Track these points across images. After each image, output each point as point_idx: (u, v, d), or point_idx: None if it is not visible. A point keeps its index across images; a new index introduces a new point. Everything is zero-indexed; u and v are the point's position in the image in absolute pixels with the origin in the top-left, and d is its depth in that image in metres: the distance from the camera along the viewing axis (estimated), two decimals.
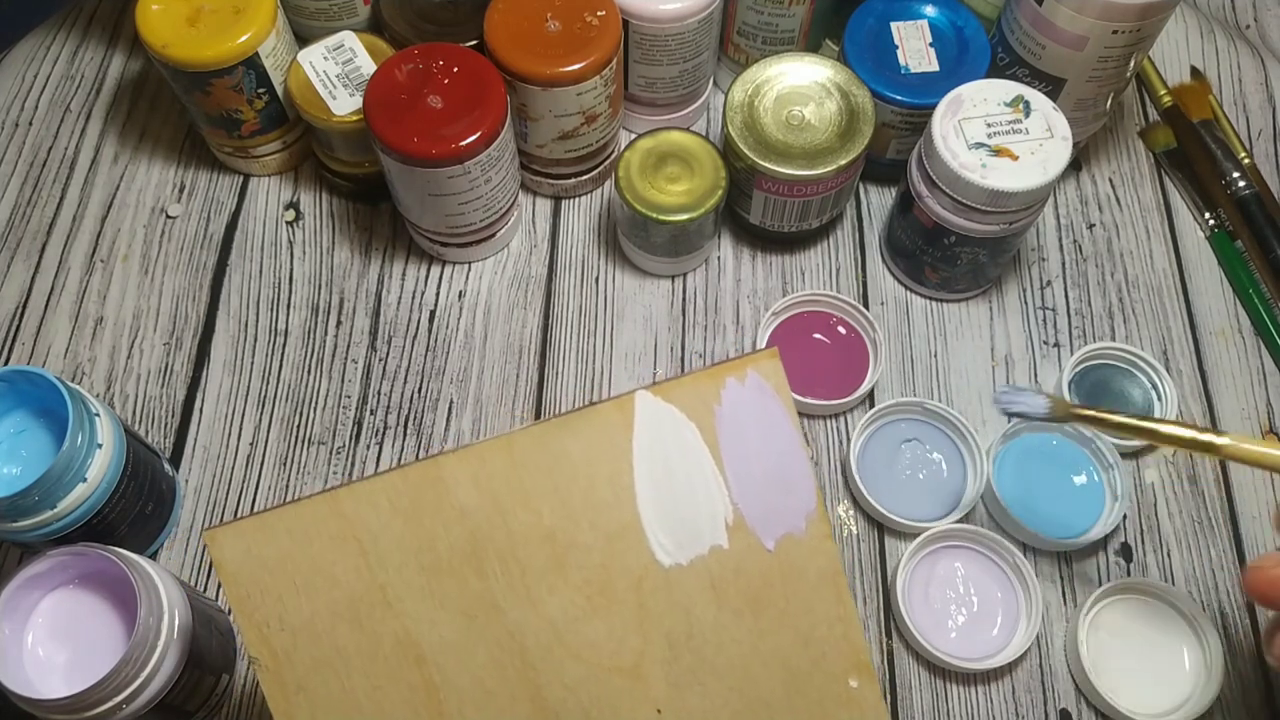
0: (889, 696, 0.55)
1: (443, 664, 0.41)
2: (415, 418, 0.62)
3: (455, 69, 0.58)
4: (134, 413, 0.62)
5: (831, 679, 0.42)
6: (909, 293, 0.66)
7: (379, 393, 0.63)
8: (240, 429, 0.62)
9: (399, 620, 0.41)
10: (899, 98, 0.62)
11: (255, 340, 0.64)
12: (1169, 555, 0.59)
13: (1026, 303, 0.66)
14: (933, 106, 0.58)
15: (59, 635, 0.49)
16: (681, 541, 0.41)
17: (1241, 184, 0.68)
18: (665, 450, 0.41)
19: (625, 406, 0.41)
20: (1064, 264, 0.67)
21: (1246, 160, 0.70)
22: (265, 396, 0.62)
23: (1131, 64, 0.61)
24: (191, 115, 0.66)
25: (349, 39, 0.64)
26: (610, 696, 0.42)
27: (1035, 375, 0.64)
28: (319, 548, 0.40)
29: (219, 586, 0.58)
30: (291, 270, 0.66)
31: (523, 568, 0.41)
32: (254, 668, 0.40)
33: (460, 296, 0.66)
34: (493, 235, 0.65)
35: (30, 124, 0.72)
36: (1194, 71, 0.75)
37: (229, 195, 0.69)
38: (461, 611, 0.41)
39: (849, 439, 0.60)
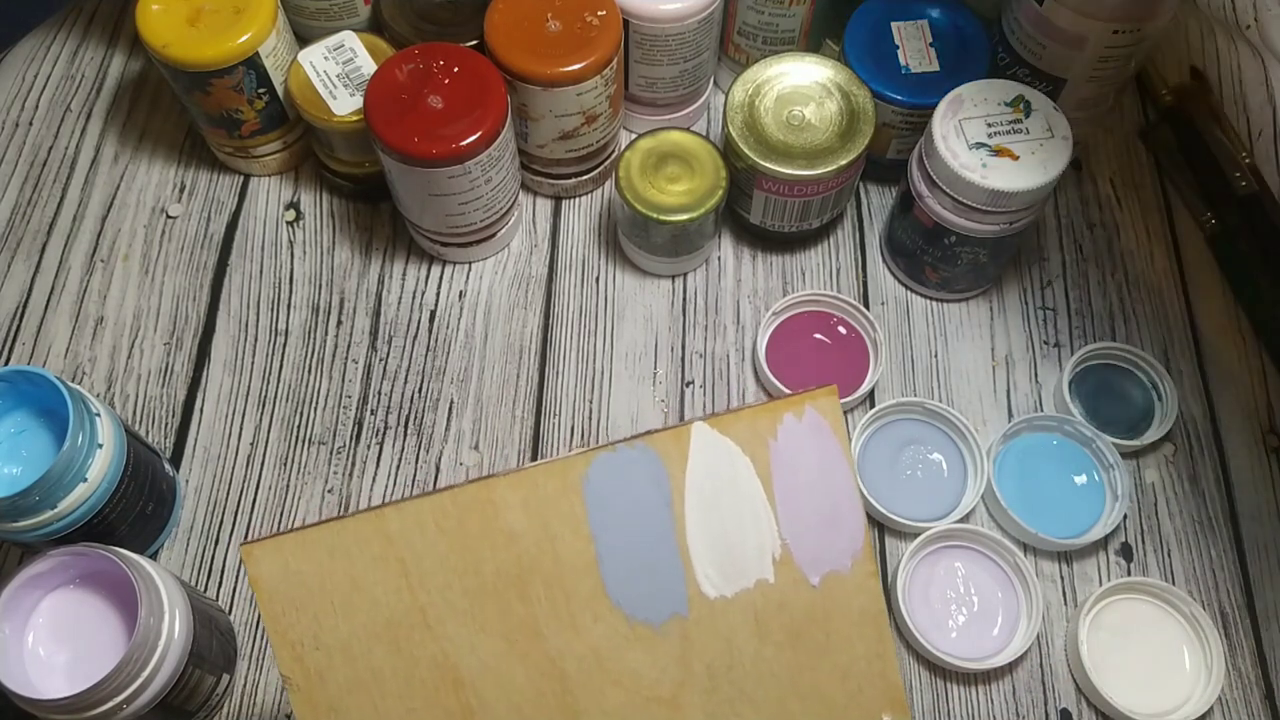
0: None
1: (481, 688, 0.41)
2: (415, 418, 0.62)
3: (455, 69, 0.58)
4: (134, 413, 0.62)
5: (866, 714, 0.42)
6: (909, 293, 0.66)
7: (379, 393, 0.63)
8: (240, 429, 0.62)
9: (438, 643, 0.40)
10: (899, 98, 0.62)
11: (255, 340, 0.64)
12: (1169, 555, 0.59)
13: (1027, 303, 0.66)
14: (933, 106, 0.58)
15: (60, 635, 0.49)
16: (728, 574, 0.41)
17: (1242, 184, 0.68)
18: (717, 482, 0.41)
19: (681, 437, 0.41)
20: (1064, 264, 0.67)
21: (1247, 160, 0.70)
22: (265, 396, 0.62)
23: (1132, 64, 0.61)
24: (192, 115, 0.66)
25: (349, 39, 0.64)
26: None
27: (1035, 375, 0.64)
28: (361, 567, 0.40)
29: (219, 586, 0.58)
30: (292, 270, 0.66)
31: (568, 594, 0.41)
32: (285, 687, 0.40)
33: (460, 296, 0.66)
34: (493, 235, 0.65)
35: (30, 124, 0.72)
36: (1194, 71, 0.75)
37: (229, 195, 0.69)
38: (503, 636, 0.41)
39: (849, 439, 0.60)
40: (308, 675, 0.40)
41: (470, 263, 0.67)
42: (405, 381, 0.63)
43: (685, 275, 0.66)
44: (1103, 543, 0.59)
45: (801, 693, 0.42)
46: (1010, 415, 0.62)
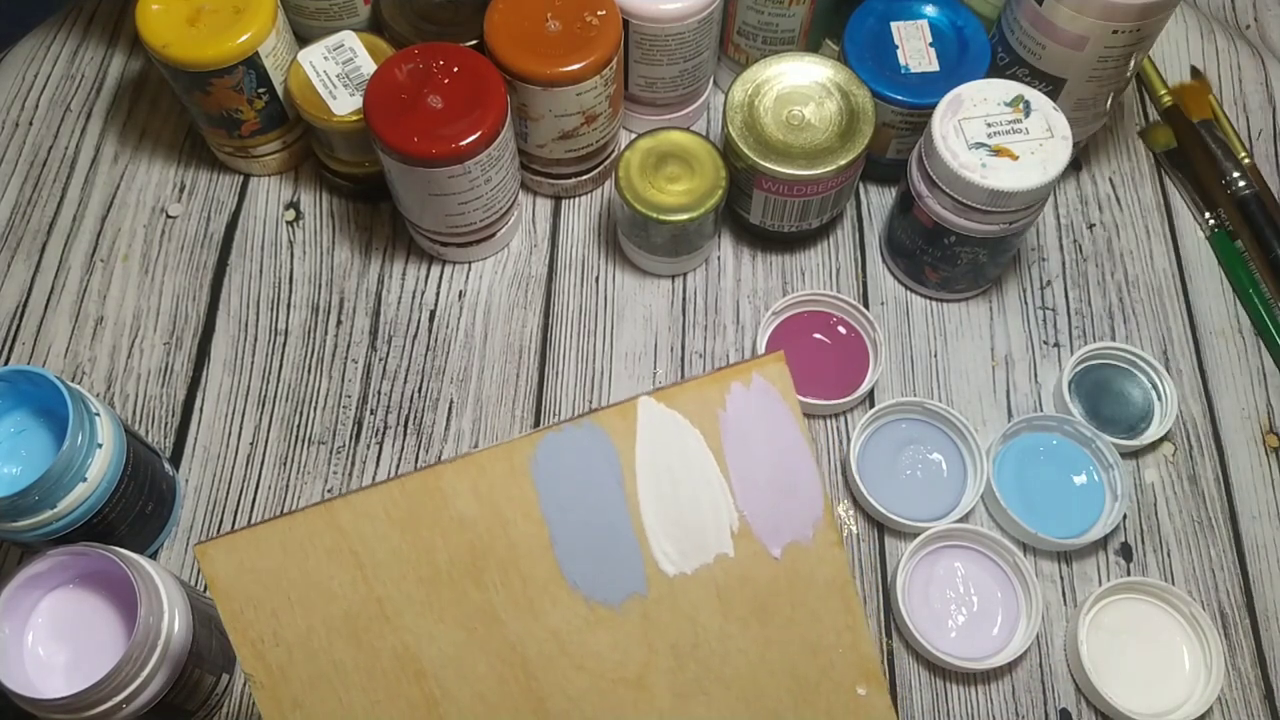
0: (889, 697, 0.55)
1: (443, 678, 0.40)
2: (415, 417, 0.62)
3: (455, 69, 0.58)
4: (134, 412, 0.62)
5: (839, 688, 0.42)
6: (909, 293, 0.66)
7: (379, 392, 0.63)
8: (240, 429, 0.62)
9: (397, 634, 0.40)
10: (899, 98, 0.62)
11: (255, 340, 0.64)
12: (1169, 555, 0.59)
13: (1026, 303, 0.66)
14: (933, 106, 0.58)
15: (59, 635, 0.49)
16: (686, 550, 0.41)
17: (1242, 184, 0.68)
18: (669, 457, 0.41)
19: (628, 413, 0.40)
20: (1064, 264, 0.67)
21: (1247, 160, 0.70)
22: (265, 396, 0.62)
23: (1131, 64, 0.61)
24: (192, 115, 0.66)
25: (349, 39, 0.64)
26: (614, 708, 0.41)
27: (1035, 375, 0.64)
28: (314, 561, 0.40)
29: None
30: (291, 270, 0.66)
31: (524, 579, 0.41)
32: (249, 684, 0.40)
33: (460, 296, 0.66)
34: (493, 235, 0.65)
35: (30, 124, 0.72)
36: (1194, 71, 0.75)
37: (229, 195, 0.69)
38: (461, 624, 0.40)
39: (849, 439, 0.60)
40: (270, 672, 0.40)
41: (470, 262, 0.67)
42: (405, 381, 0.63)
43: (685, 275, 0.66)
44: (1102, 543, 0.59)
45: (771, 668, 0.42)
46: (1010, 415, 0.62)
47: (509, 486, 0.40)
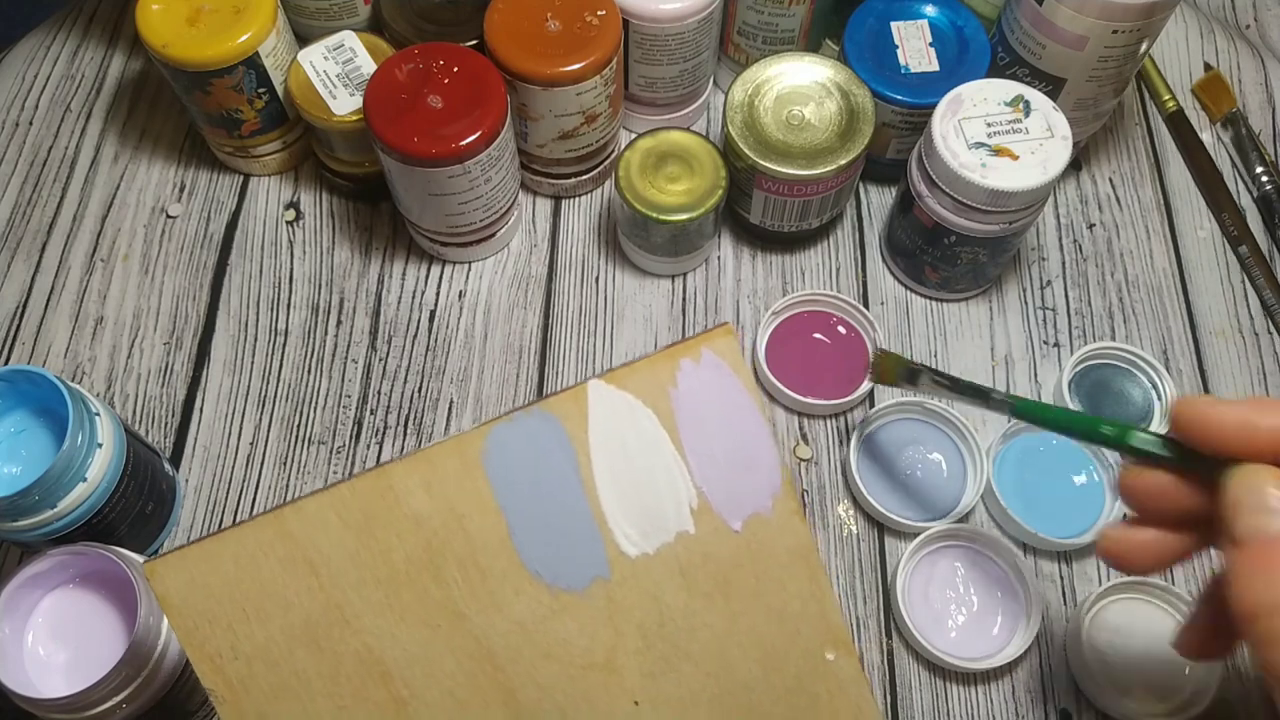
0: (889, 696, 0.55)
1: (409, 678, 0.40)
2: (415, 417, 0.62)
3: (455, 69, 0.58)
4: (134, 412, 0.62)
5: (808, 654, 0.42)
6: (909, 293, 0.66)
7: (379, 392, 0.63)
8: (240, 429, 0.62)
9: (359, 638, 0.40)
10: (899, 97, 0.62)
11: (255, 340, 0.64)
12: None
13: (1026, 303, 0.66)
14: (933, 106, 0.58)
15: (59, 635, 0.49)
16: (646, 531, 0.41)
17: (1265, 179, 0.68)
18: (623, 439, 0.41)
19: (579, 397, 0.40)
20: (1064, 264, 0.67)
21: (1270, 158, 0.70)
22: (265, 396, 0.62)
23: (1131, 64, 0.61)
24: (192, 115, 0.66)
25: (349, 39, 0.64)
26: (586, 692, 0.41)
27: (1035, 375, 0.64)
28: (268, 571, 0.39)
29: None
30: (291, 270, 0.66)
31: (484, 572, 0.40)
32: (211, 700, 0.40)
33: (460, 296, 0.66)
34: (493, 235, 0.65)
35: (30, 124, 0.72)
36: (1207, 67, 0.75)
37: (229, 195, 0.69)
38: (423, 623, 0.40)
39: (849, 439, 0.60)
40: (231, 686, 0.40)
41: (470, 262, 0.67)
42: (405, 381, 0.63)
43: (685, 275, 0.66)
44: None
45: (739, 641, 0.42)
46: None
47: (461, 480, 0.40)
